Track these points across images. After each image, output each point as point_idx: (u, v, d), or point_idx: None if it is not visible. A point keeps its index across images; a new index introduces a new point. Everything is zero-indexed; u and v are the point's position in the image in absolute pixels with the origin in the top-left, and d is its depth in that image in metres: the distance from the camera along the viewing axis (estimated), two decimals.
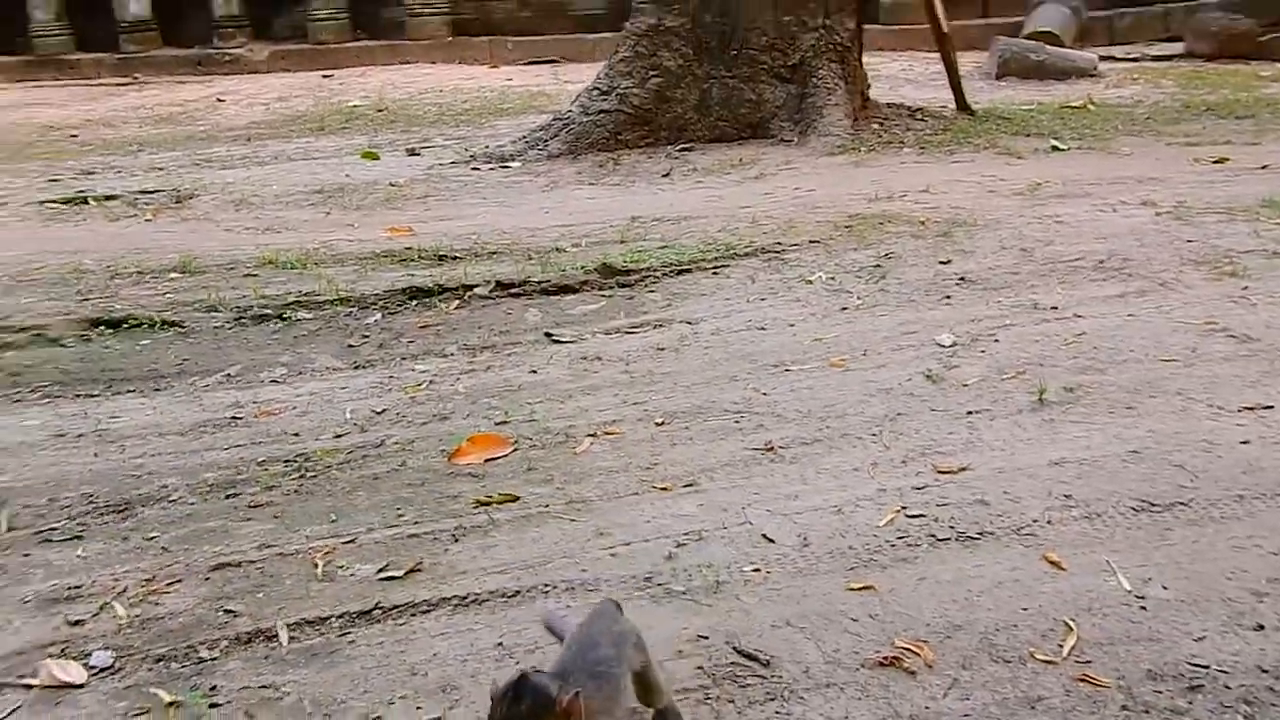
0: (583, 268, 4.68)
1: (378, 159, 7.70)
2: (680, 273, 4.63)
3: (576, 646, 1.82)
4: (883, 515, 2.61)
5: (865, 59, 7.82)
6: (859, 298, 4.21)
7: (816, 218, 5.33)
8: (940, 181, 5.96)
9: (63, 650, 2.25)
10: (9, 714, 2.07)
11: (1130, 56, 11.03)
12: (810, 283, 4.42)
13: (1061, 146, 6.84)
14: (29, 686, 2.15)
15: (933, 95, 8.54)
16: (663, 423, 3.21)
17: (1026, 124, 7.59)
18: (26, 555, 2.65)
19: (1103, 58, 10.48)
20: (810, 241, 4.94)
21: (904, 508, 2.64)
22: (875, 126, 7.38)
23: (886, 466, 2.87)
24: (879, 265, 4.57)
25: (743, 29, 7.24)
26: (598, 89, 7.40)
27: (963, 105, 7.96)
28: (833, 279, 4.45)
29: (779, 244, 4.92)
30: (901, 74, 10.31)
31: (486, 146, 7.69)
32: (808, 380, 3.47)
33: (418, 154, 7.81)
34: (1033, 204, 5.42)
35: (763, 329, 3.96)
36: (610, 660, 1.76)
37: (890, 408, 3.22)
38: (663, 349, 3.82)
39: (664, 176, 6.63)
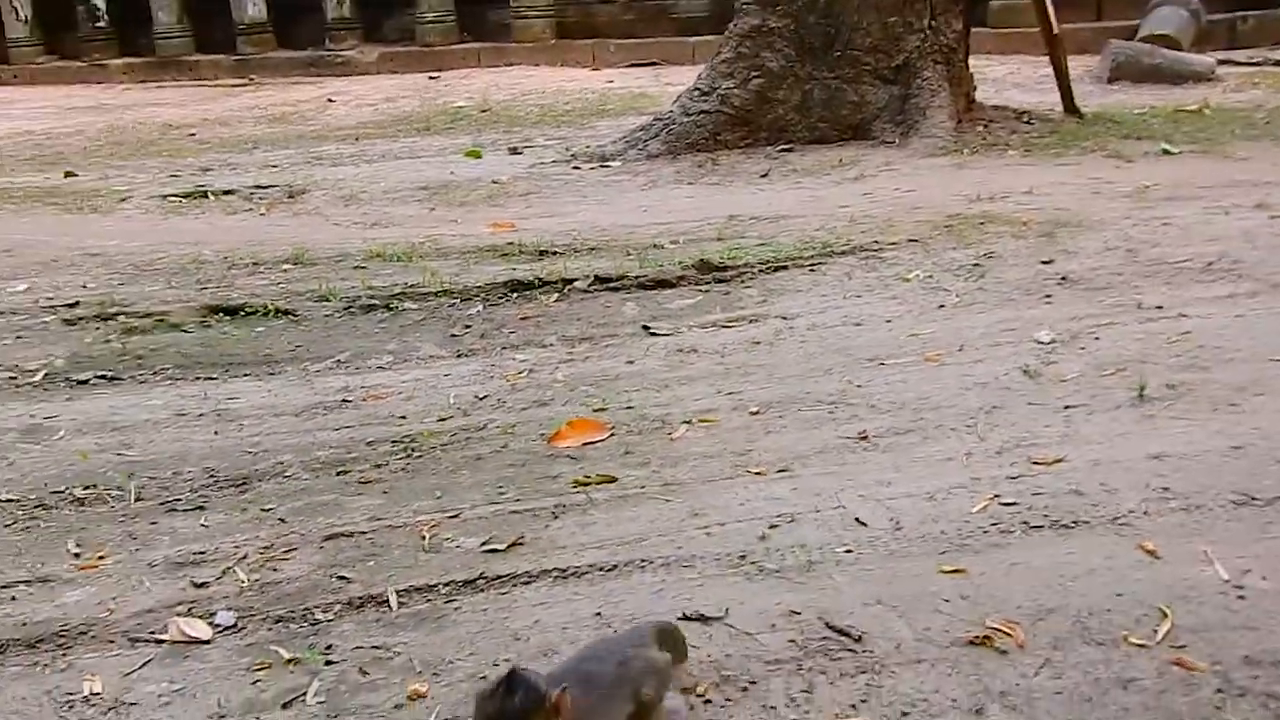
0: (680, 263, 4.75)
1: (481, 158, 7.86)
2: (777, 269, 4.66)
3: (578, 656, 1.89)
4: (976, 503, 2.62)
5: (972, 62, 7.71)
6: (957, 296, 4.20)
7: (916, 218, 5.32)
8: (1044, 183, 5.88)
9: (189, 609, 2.39)
10: (144, 665, 2.21)
11: (1252, 61, 10.60)
12: (908, 280, 4.42)
13: (1173, 150, 6.66)
14: (160, 641, 2.29)
15: (1040, 99, 8.39)
16: (757, 412, 3.26)
17: (1137, 127, 7.39)
18: (154, 523, 2.81)
19: (1222, 61, 10.09)
20: (909, 240, 4.93)
21: (997, 496, 2.64)
22: (979, 129, 7.28)
23: (981, 457, 2.87)
24: (978, 264, 4.55)
25: (847, 30, 7.20)
26: (699, 90, 7.42)
27: (1071, 108, 7.80)
28: (930, 277, 4.44)
29: (877, 243, 4.92)
30: (1008, 77, 10.15)
31: (587, 146, 7.79)
32: (903, 374, 3.48)
33: (520, 153, 7.95)
34: (1140, 206, 5.32)
35: (858, 325, 3.98)
36: (605, 675, 1.78)
37: (986, 401, 3.22)
38: (758, 342, 3.86)
39: (762, 176, 6.65)
